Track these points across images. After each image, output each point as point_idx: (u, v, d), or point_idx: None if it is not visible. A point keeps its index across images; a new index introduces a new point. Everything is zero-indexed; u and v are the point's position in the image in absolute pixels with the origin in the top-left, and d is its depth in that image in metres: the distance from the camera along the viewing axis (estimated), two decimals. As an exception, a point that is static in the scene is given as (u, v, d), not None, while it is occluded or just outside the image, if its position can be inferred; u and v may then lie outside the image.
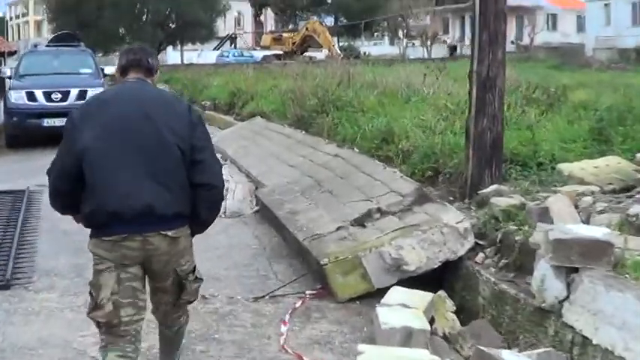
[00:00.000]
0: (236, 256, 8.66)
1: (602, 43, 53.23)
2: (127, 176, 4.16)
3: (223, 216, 10.18)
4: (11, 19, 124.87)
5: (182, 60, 59.08)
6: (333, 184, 9.74)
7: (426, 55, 63.77)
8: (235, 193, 11.27)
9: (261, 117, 18.02)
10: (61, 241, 9.14)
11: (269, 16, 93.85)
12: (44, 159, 16.74)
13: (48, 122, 18.26)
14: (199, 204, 4.33)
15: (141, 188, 4.15)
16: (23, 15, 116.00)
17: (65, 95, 18.60)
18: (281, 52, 61.57)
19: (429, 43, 67.30)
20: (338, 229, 7.97)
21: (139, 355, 4.42)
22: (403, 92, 16.54)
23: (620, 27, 53.43)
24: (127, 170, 4.16)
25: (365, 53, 63.42)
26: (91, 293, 4.34)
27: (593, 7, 58.27)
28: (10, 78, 19.98)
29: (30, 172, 14.89)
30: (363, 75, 22.67)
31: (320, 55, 62.96)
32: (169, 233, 4.24)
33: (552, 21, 72.40)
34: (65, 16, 50.05)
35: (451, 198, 8.73)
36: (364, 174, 9.66)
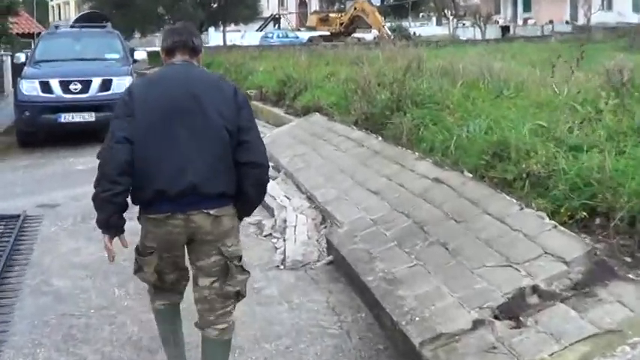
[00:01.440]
0: (308, 353, 5.60)
1: None
2: (174, 156, 4.21)
3: (282, 267, 7.43)
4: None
5: (224, 41, 56.19)
6: (446, 232, 6.62)
7: (477, 36, 61.04)
8: (297, 230, 8.24)
9: (319, 113, 15.01)
10: (47, 314, 6.37)
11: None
12: (57, 164, 13.72)
13: (65, 118, 15.46)
14: (245, 182, 4.36)
15: (187, 167, 4.20)
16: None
17: (86, 86, 15.71)
18: (328, 33, 58.70)
19: (482, 23, 63.96)
20: (475, 325, 4.93)
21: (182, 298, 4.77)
22: (487, 82, 13.47)
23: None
24: (174, 150, 4.21)
25: (414, 34, 60.12)
26: (136, 260, 4.59)
27: None
28: (24, 65, 16.98)
29: (35, 184, 12.18)
30: (428, 59, 20.14)
31: (368, 36, 60.43)
32: (212, 212, 4.28)
33: (607, 0, 68.98)
34: (101, -5, 47.29)
35: (627, 258, 5.63)
36: (491, 217, 6.53)
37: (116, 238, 4.40)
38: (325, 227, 8.38)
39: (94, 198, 4.29)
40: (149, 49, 54.63)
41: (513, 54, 24.73)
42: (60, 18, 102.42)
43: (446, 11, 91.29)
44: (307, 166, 10.80)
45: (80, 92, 15.59)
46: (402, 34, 53.47)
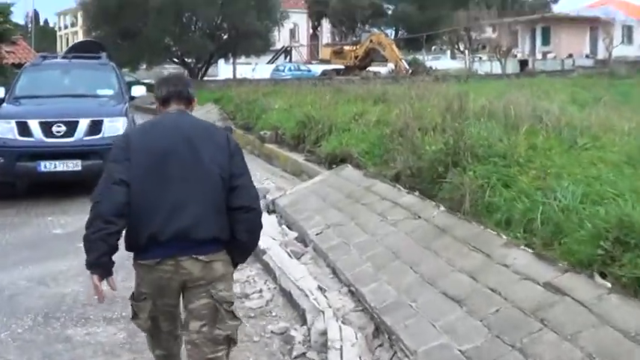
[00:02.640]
0: None
1: None
2: (167, 201, 4.25)
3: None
4: (60, 29, 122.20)
5: (234, 74, 53.87)
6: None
7: (495, 70, 58.90)
8: (344, 353, 5.65)
9: (350, 163, 12.56)
10: None
11: (325, 29, 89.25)
12: (32, 225, 12.01)
13: (46, 166, 12.91)
14: (238, 227, 4.40)
15: (180, 213, 4.24)
16: (72, 25, 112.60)
17: (71, 128, 13.17)
18: (342, 67, 56.40)
19: (497, 56, 61.73)
20: None
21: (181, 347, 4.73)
22: (547, 127, 11.26)
23: None
24: (168, 195, 4.26)
25: (432, 68, 57.82)
26: (132, 306, 4.56)
27: None
28: (3, 101, 14.44)
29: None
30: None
31: (384, 69, 58.22)
32: (202, 257, 4.31)
33: (627, 33, 68.56)
34: (106, 25, 44.83)
35: None
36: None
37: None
38: (381, 344, 5.83)
39: (85, 238, 4.22)
40: (142, 86, 52.89)
41: (545, 90, 22.17)
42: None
43: (459, 45, 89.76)
44: (345, 243, 8.21)
45: (64, 136, 13.08)
46: (420, 69, 51.28)
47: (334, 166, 13.64)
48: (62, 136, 13.07)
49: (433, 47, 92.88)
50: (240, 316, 4.69)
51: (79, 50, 18.56)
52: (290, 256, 8.43)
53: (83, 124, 13.14)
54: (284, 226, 9.79)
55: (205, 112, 27.67)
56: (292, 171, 15.06)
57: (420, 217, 8.12)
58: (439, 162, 9.70)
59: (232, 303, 4.51)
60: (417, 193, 9.10)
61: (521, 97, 15.89)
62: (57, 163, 12.81)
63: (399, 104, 18.01)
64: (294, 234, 9.36)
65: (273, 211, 11.10)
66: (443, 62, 75.70)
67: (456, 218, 7.76)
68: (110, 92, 14.72)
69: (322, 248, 8.25)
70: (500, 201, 7.96)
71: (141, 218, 4.22)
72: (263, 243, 8.38)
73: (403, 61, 53.44)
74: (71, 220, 11.43)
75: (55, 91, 14.58)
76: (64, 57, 18.30)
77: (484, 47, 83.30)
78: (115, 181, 4.23)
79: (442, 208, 8.19)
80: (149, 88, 16.11)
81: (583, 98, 21.85)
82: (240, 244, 4.47)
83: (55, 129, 13.05)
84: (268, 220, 10.12)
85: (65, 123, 13.12)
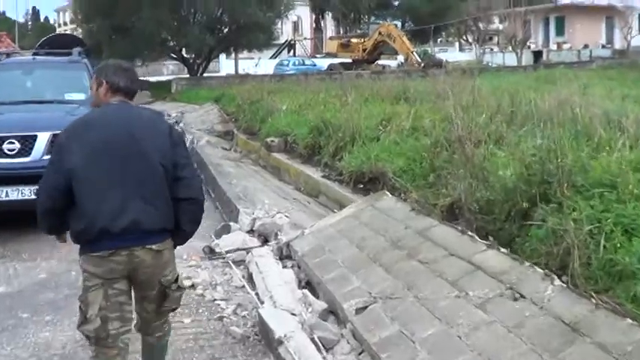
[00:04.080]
0: None
1: None
2: (114, 194, 4.34)
3: None
4: (59, 25, 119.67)
5: (236, 70, 50.94)
6: None
7: (508, 62, 56.28)
8: None
9: (384, 186, 9.83)
10: None
11: (328, 22, 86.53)
12: None
13: (-4, 194, 10.09)
14: (182, 217, 4.56)
15: (128, 205, 4.34)
16: (72, 22, 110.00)
17: (28, 145, 10.34)
18: (350, 60, 53.45)
19: (511, 47, 59.05)
20: None
21: None
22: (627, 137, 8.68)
23: None
24: (114, 189, 4.35)
25: (445, 61, 54.99)
26: (80, 308, 4.54)
27: None
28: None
29: None
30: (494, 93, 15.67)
31: (393, 63, 55.60)
32: (154, 247, 4.46)
33: None
34: (98, 18, 41.82)
35: None
36: None
37: None
38: None
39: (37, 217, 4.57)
40: (153, 78, 50.18)
41: (582, 85, 19.28)
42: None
43: (467, 36, 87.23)
44: (406, 336, 5.29)
45: (19, 155, 10.26)
46: (432, 62, 48.52)
47: (360, 185, 10.91)
48: (16, 156, 10.24)
49: (439, 39, 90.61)
50: (183, 285, 4.97)
51: (53, 45, 15.62)
52: (319, 348, 5.60)
53: (43, 139, 10.28)
54: (305, 291, 6.88)
55: (204, 113, 25.11)
56: (308, 190, 12.25)
57: (521, 295, 5.25)
58: (520, 194, 6.96)
59: (176, 280, 4.71)
60: (503, 250, 6.22)
61: (569, 94, 13.36)
62: (9, 190, 10.01)
63: (427, 103, 15.38)
64: (322, 304, 6.49)
65: (288, 257, 8.28)
66: (451, 54, 73.87)
67: (588, 303, 4.90)
68: (82, 97, 11.69)
69: (370, 343, 5.37)
70: (625, 262, 5.25)
71: (88, 211, 4.33)
72: (278, 324, 5.66)
73: (415, 53, 50.46)
74: (22, 270, 8.68)
75: (13, 97, 11.79)
76: (34, 54, 15.34)
77: (490, 39, 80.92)
78: (55, 170, 4.42)
79: (556, 281, 5.31)
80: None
81: (629, 93, 19.00)
82: (184, 232, 4.67)
83: (6, 147, 10.23)
84: (282, 276, 7.30)
85: (20, 139, 10.29)
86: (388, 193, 9.05)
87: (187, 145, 18.94)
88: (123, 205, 4.32)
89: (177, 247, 4.79)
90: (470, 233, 6.69)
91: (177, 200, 4.49)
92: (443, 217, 7.83)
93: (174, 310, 4.94)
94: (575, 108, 11.46)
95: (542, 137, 8.70)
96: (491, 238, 6.72)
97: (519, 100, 13.55)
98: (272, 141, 15.69)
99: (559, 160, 6.95)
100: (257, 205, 10.44)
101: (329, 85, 23.58)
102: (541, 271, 5.51)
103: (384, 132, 12.32)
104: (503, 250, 6.18)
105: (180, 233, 4.66)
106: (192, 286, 7.64)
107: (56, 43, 16.09)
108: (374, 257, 6.97)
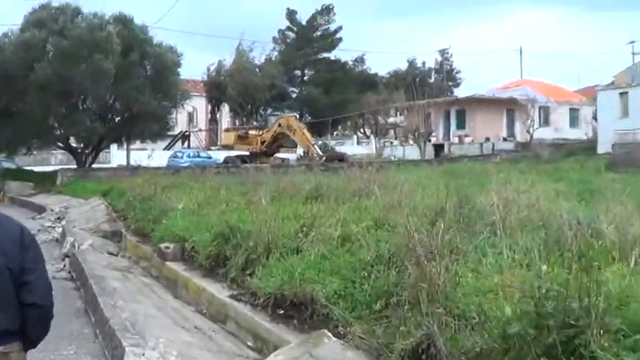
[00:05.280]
0: None
1: (621, 138, 47.06)
2: None
3: None
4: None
5: (128, 161, 48.30)
6: None
7: (408, 155, 55.53)
8: None
9: (313, 315, 7.64)
10: None
11: (225, 113, 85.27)
12: None
13: None
14: (27, 322, 4.33)
15: None
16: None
17: None
18: (247, 153, 51.46)
19: (413, 141, 58.30)
20: None
21: None
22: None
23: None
24: None
25: (345, 154, 53.78)
26: None
27: (607, 97, 52.30)
28: None
29: None
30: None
31: (292, 156, 53.99)
32: (1, 348, 4.25)
33: (544, 115, 66.91)
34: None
35: None
36: None
37: None
38: None
39: None
40: (39, 168, 47.16)
41: (503, 179, 17.62)
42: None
43: (365, 129, 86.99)
44: None
45: None
46: (334, 155, 47.20)
47: (281, 311, 8.59)
48: None
49: (335, 132, 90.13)
50: None
51: None
52: None
53: None
54: None
55: (90, 209, 22.71)
56: (212, 313, 9.90)
57: None
58: (530, 343, 4.84)
59: None
60: None
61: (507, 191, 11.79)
62: None
63: (346, 203, 13.32)
64: None
65: None
66: (349, 147, 73.19)
67: None
68: None
69: None
70: None
71: None
72: None
73: (315, 146, 48.81)
74: None
75: None
76: None
77: (387, 132, 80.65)
78: None
79: None
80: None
81: (558, 188, 17.48)
82: (31, 337, 4.41)
83: None
84: None
85: None
86: (329, 334, 6.72)
87: (67, 249, 17.08)
88: None
89: None
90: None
91: (22, 305, 4.27)
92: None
93: None
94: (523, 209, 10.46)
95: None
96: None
97: (456, 200, 11.65)
98: (166, 247, 13.23)
99: (591, 298, 4.82)
100: (148, 341, 7.91)
101: (228, 180, 21.88)
102: None
103: (306, 241, 10.05)
104: None
105: (28, 337, 4.38)
106: None
107: None
108: None
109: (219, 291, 10.22)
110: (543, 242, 8.57)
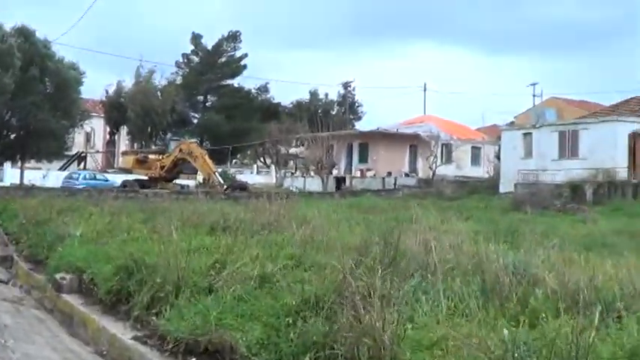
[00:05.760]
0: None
1: (524, 178, 47.31)
2: None
3: None
4: None
5: (21, 180, 46.34)
6: None
7: (308, 187, 55.05)
8: None
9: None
10: None
11: (123, 136, 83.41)
12: None
13: None
14: None
15: None
16: None
17: None
18: (146, 178, 49.90)
19: (315, 173, 57.92)
20: None
21: None
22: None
23: (545, 159, 47.78)
24: None
25: (246, 183, 53.06)
26: None
27: (511, 137, 52.46)
28: None
29: None
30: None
31: (192, 182, 52.88)
32: None
33: (447, 152, 67.03)
34: None
35: None
36: None
37: None
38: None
39: None
40: None
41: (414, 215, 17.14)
42: None
43: (265, 159, 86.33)
44: None
45: None
46: (235, 184, 46.44)
47: (193, 359, 7.73)
48: None
49: (235, 160, 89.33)
50: None
51: None
52: None
53: None
54: None
55: (-20, 231, 20.96)
56: (113, 357, 8.94)
57: None
58: None
59: None
60: None
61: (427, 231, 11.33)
62: None
63: (254, 235, 12.58)
64: None
65: None
66: (248, 176, 72.59)
67: None
68: None
69: None
70: None
71: None
72: None
73: (217, 174, 47.73)
74: None
75: None
76: None
77: (287, 163, 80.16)
78: None
79: None
80: None
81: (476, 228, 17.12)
82: None
83: None
84: None
85: None
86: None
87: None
88: None
89: None
90: None
91: None
92: None
93: None
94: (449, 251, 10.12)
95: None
96: None
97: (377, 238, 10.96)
98: (62, 278, 12.17)
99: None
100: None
101: (128, 205, 21.13)
102: None
103: (220, 279, 9.21)
104: None
105: None
106: None
107: None
108: None
109: (121, 331, 9.27)
110: (480, 289, 8.04)
